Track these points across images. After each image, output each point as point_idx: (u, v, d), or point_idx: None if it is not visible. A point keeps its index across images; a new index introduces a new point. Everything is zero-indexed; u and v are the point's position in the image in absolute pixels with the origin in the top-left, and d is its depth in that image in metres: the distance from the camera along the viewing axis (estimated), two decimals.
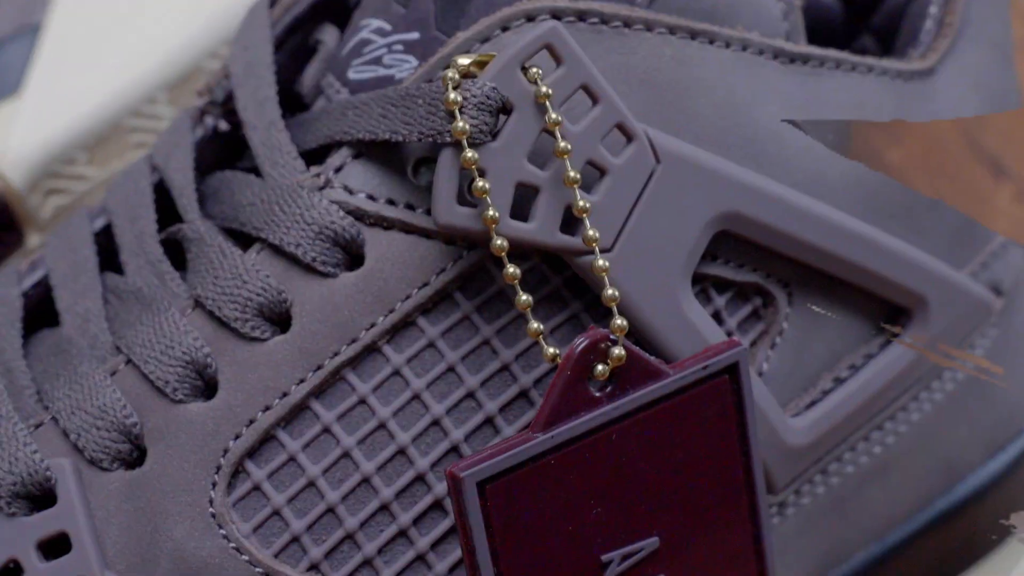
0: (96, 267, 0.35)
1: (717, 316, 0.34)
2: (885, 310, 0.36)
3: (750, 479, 0.33)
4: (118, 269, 0.35)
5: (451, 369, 0.32)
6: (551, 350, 0.31)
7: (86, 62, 0.44)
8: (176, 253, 0.35)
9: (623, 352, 0.31)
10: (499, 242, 0.31)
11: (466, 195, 0.32)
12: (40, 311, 0.36)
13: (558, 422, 0.31)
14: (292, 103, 0.36)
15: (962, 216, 0.37)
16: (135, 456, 0.32)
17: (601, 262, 0.31)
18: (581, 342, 0.31)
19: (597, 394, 0.31)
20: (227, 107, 0.36)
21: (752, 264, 0.34)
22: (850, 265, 0.35)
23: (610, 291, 0.31)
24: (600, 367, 0.31)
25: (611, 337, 0.31)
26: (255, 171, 0.35)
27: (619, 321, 0.31)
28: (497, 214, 0.31)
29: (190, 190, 0.35)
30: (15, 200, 0.43)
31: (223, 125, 0.36)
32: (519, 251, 0.32)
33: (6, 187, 0.43)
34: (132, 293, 0.34)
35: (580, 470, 0.31)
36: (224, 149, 0.36)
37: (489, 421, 0.33)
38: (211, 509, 0.32)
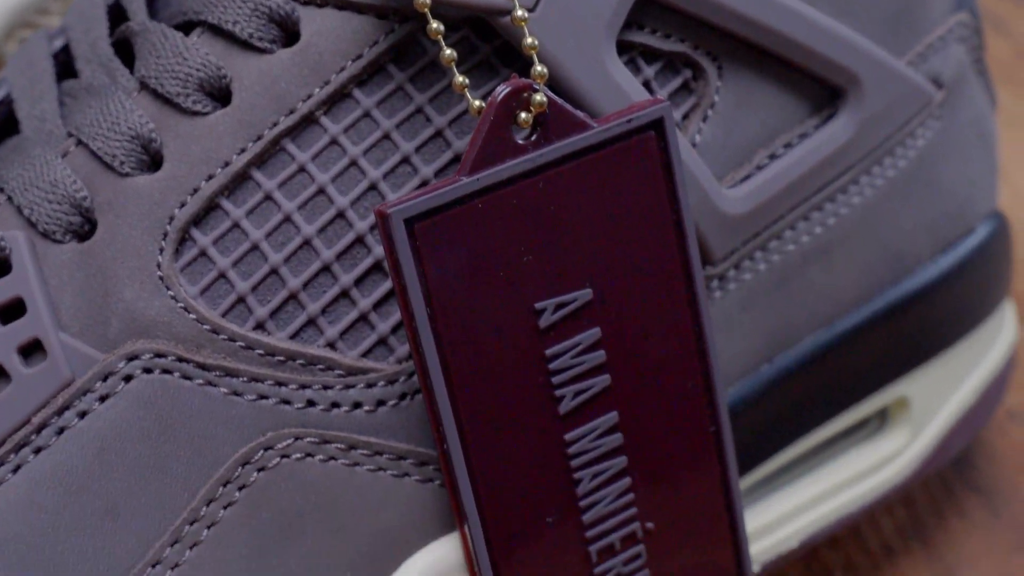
0: (53, 76, 0.36)
1: (647, 86, 0.35)
2: (820, 93, 0.37)
3: (682, 239, 0.34)
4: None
5: (386, 136, 0.34)
6: (476, 103, 0.32)
7: None
8: (127, 56, 0.36)
9: (544, 99, 0.32)
10: None
11: None
12: (4, 130, 0.37)
13: (484, 167, 0.32)
14: None
15: (899, 2, 0.38)
16: (86, 229, 0.34)
17: (520, 12, 0.32)
18: (503, 89, 0.32)
19: (521, 142, 0.32)
20: None
21: (680, 34, 0.35)
22: (778, 36, 0.36)
23: (529, 39, 0.32)
24: (523, 115, 0.32)
25: (533, 85, 0.32)
26: None
27: (539, 68, 0.32)
28: None
29: None
30: None
31: None
32: (448, 23, 0.33)
33: None
34: (84, 89, 0.35)
35: (509, 216, 0.32)
36: None
37: (425, 184, 0.34)
38: (159, 272, 0.33)
